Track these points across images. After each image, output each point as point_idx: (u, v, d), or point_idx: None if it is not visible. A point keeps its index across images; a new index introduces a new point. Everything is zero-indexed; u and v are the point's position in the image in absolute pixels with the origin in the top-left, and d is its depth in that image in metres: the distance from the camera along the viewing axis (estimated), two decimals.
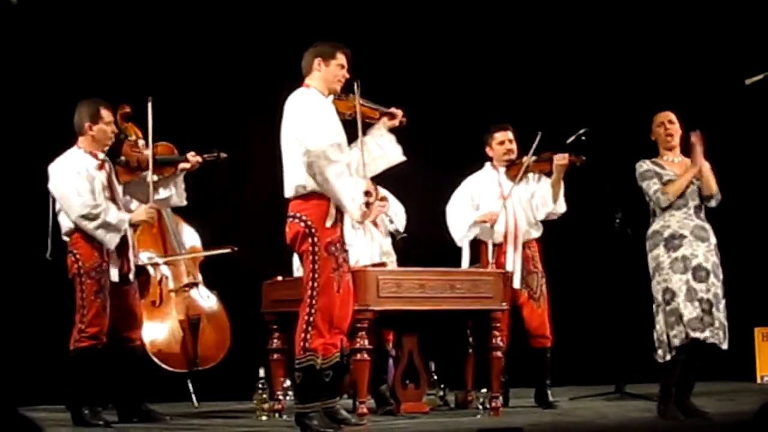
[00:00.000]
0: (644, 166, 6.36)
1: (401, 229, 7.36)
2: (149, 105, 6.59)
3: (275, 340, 6.88)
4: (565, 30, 9.70)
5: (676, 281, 6.13)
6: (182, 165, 6.78)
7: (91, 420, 6.35)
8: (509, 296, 7.25)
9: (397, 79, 8.79)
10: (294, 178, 5.79)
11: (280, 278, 6.96)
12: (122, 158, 6.71)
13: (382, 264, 6.98)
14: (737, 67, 7.52)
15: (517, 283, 7.27)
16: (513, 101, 9.33)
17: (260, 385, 6.75)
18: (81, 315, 6.39)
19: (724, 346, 6.19)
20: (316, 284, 5.70)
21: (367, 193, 5.70)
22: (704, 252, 6.19)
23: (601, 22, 9.73)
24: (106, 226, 6.42)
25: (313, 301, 5.69)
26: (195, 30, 8.63)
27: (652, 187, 6.28)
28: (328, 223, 5.74)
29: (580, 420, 6.54)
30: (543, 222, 7.44)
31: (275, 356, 6.87)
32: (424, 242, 7.86)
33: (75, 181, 6.45)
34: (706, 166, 6.27)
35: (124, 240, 6.58)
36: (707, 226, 6.30)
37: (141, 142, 7.17)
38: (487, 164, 7.51)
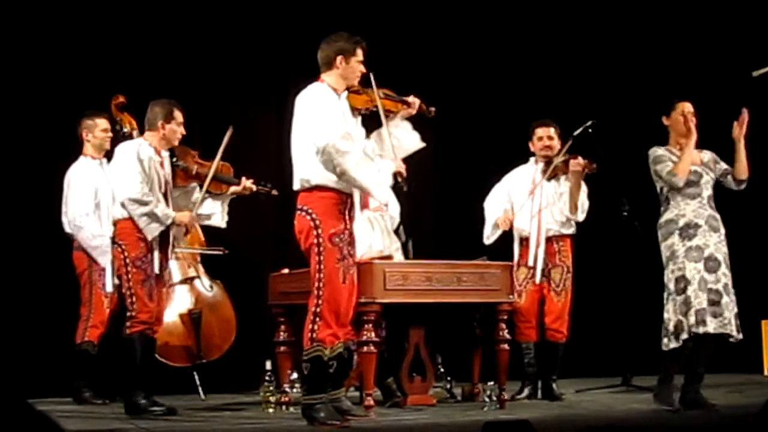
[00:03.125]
0: (659, 151, 6.39)
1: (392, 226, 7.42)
2: (226, 136, 6.70)
3: (282, 333, 6.89)
4: (573, 25, 9.69)
5: (691, 270, 6.16)
6: (234, 188, 6.87)
7: (150, 408, 6.36)
8: (537, 289, 7.29)
9: (411, 72, 8.82)
10: (300, 172, 5.84)
11: (286, 270, 6.96)
12: (182, 163, 6.77)
13: (389, 257, 6.98)
14: (744, 59, 7.52)
15: (537, 278, 7.35)
16: (519, 95, 9.35)
17: (267, 378, 6.76)
18: (130, 303, 6.47)
19: (739, 336, 6.21)
20: (321, 275, 5.73)
21: (398, 174, 5.77)
22: (716, 242, 6.23)
23: (608, 15, 9.72)
24: (152, 215, 6.49)
25: (320, 293, 5.72)
26: (201, 28, 8.62)
27: (665, 169, 6.30)
28: (333, 216, 5.76)
29: (587, 412, 6.54)
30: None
31: (282, 349, 6.88)
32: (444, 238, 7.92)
33: (136, 166, 6.52)
34: (742, 151, 6.31)
35: (166, 235, 6.63)
36: (718, 216, 6.34)
37: (136, 133, 7.20)
38: (531, 159, 7.58)
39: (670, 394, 6.21)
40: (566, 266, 7.44)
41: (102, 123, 7.55)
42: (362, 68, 5.92)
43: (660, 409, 6.22)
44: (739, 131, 6.35)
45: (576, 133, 7.35)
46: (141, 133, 7.12)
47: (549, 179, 7.41)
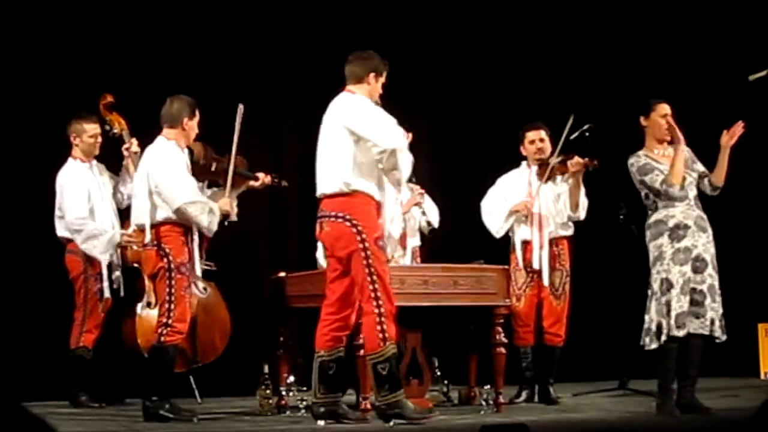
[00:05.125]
0: (642, 159, 6.37)
1: (435, 223, 7.47)
2: (238, 115, 6.61)
3: (280, 336, 6.89)
4: (568, 27, 9.69)
5: (675, 273, 6.17)
6: (251, 182, 6.78)
7: (173, 414, 6.26)
8: (536, 293, 7.30)
9: (404, 77, 8.80)
10: (339, 176, 5.92)
11: (283, 274, 6.96)
12: (201, 160, 6.64)
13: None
14: (741, 63, 7.52)
15: (545, 281, 7.35)
16: (513, 99, 9.36)
17: (264, 381, 6.75)
18: (167, 309, 6.26)
19: (722, 337, 6.22)
20: (375, 278, 5.85)
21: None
22: (704, 243, 6.25)
23: (604, 17, 9.73)
24: (211, 212, 6.37)
25: (378, 294, 5.84)
26: (191, 27, 8.59)
27: (657, 179, 6.28)
28: (374, 221, 5.95)
29: (583, 416, 6.55)
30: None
31: (279, 352, 6.88)
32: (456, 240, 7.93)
33: (181, 168, 6.38)
34: (726, 160, 6.33)
35: (201, 241, 6.56)
36: (705, 216, 6.36)
37: (125, 133, 7.16)
38: (523, 163, 7.59)
39: (673, 406, 6.20)
40: (565, 270, 7.44)
41: (91, 129, 7.36)
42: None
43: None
44: (728, 140, 6.33)
45: (573, 137, 7.36)
46: (131, 133, 7.08)
47: (546, 181, 7.41)
